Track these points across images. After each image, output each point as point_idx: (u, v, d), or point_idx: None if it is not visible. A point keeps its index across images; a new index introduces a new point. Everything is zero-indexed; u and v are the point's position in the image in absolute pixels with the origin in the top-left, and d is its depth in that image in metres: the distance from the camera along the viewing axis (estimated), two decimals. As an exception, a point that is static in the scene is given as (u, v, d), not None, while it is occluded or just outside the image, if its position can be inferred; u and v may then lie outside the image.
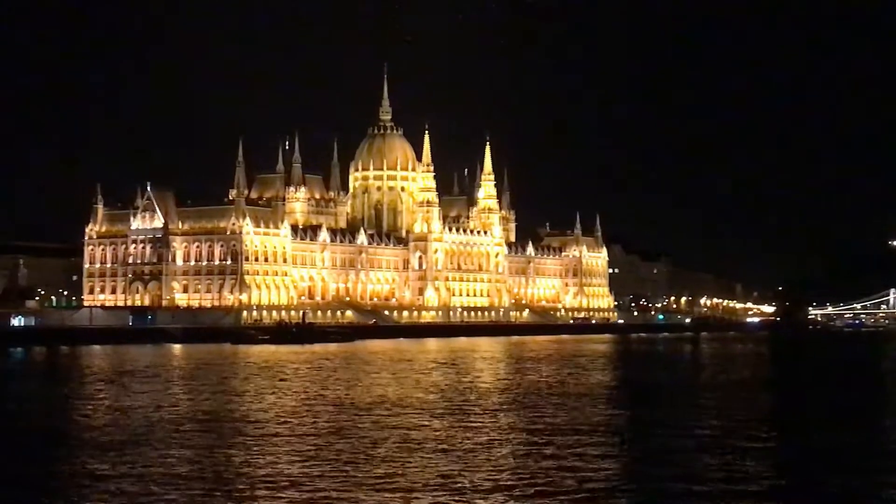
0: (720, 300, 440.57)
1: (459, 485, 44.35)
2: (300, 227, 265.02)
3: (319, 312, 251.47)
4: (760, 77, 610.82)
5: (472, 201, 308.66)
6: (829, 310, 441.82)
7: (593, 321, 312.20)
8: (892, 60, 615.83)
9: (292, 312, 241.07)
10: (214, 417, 67.14)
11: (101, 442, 56.75)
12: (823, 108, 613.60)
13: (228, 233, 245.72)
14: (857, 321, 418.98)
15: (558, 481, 45.20)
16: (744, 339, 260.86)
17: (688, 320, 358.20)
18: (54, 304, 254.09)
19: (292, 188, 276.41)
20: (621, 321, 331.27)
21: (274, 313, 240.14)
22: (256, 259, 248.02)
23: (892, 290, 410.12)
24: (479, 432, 59.98)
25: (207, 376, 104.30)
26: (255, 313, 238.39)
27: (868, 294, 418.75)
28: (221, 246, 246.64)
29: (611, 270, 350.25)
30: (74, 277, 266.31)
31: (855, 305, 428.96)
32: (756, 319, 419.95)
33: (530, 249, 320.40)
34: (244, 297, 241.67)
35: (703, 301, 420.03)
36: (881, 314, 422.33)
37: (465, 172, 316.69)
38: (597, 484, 44.77)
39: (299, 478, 45.71)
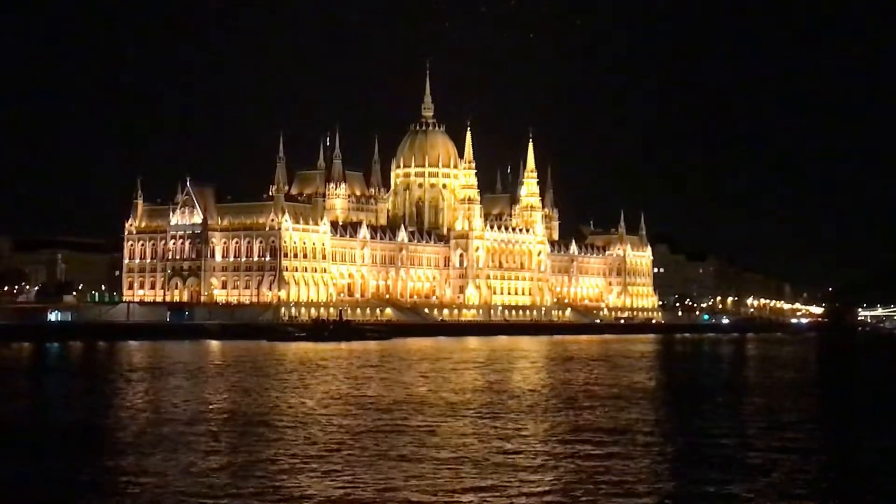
0: (768, 301, 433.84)
1: (466, 492, 41.32)
2: (340, 223, 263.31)
3: (359, 310, 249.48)
4: (810, 72, 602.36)
5: (514, 199, 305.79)
6: (879, 311, 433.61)
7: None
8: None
9: (331, 310, 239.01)
10: (231, 418, 64.58)
11: (106, 442, 54.83)
12: (876, 104, 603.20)
13: (267, 229, 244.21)
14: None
15: (585, 487, 42.08)
16: (788, 340, 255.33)
17: (725, 320, 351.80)
18: (96, 298, 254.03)
19: (333, 185, 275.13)
20: (663, 321, 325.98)
21: (312, 310, 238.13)
22: (295, 255, 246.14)
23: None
24: (503, 435, 56.81)
25: (236, 374, 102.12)
26: (292, 310, 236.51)
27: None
28: (260, 242, 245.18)
29: (656, 270, 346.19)
30: (117, 273, 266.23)
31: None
32: (804, 321, 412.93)
33: (573, 248, 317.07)
34: (282, 294, 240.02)
35: (749, 301, 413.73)
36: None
37: (508, 170, 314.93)
38: (625, 490, 41.56)
39: (300, 483, 43.00)
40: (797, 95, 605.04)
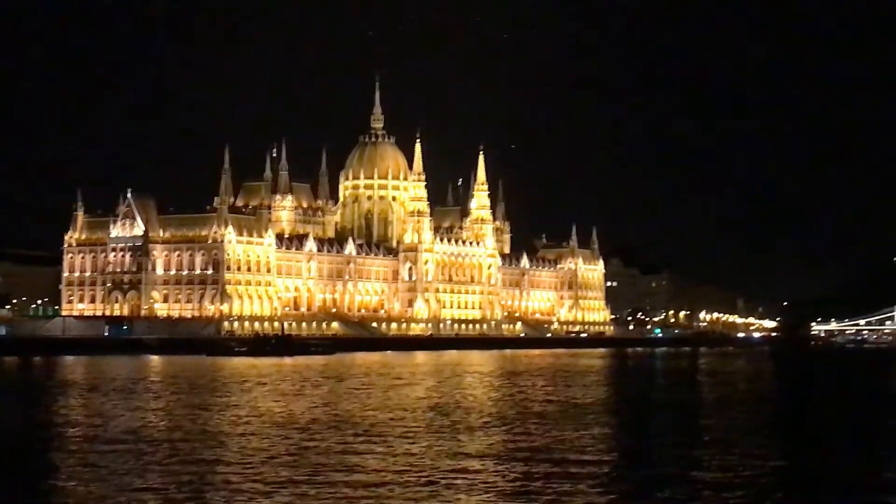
0: (721, 315, 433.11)
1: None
2: (286, 236, 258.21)
3: (304, 324, 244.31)
4: (764, 85, 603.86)
5: (465, 212, 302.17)
6: (833, 325, 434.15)
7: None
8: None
9: (275, 324, 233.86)
10: (154, 438, 59.76)
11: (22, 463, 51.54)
12: (831, 120, 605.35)
13: (210, 241, 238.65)
14: (858, 337, 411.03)
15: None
16: (739, 353, 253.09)
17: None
18: (39, 312, 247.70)
19: (279, 196, 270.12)
20: (614, 335, 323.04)
21: (256, 324, 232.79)
22: (239, 269, 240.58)
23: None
24: (419, 457, 52.48)
25: (168, 391, 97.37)
26: (235, 324, 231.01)
27: (874, 310, 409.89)
28: (203, 255, 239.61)
29: (609, 283, 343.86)
30: (60, 286, 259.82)
31: (859, 321, 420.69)
32: (756, 334, 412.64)
33: (525, 261, 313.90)
34: (225, 308, 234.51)
35: (702, 315, 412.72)
36: (886, 331, 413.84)
37: (459, 183, 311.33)
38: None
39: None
40: (754, 107, 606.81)
